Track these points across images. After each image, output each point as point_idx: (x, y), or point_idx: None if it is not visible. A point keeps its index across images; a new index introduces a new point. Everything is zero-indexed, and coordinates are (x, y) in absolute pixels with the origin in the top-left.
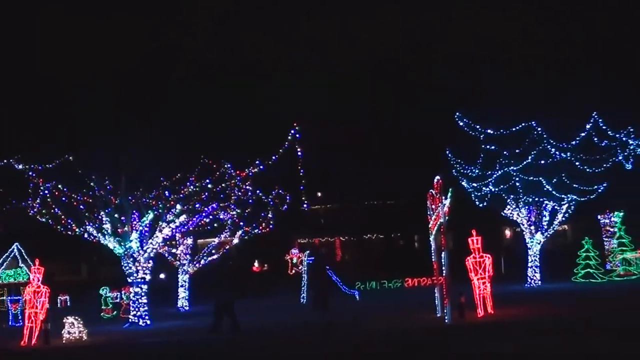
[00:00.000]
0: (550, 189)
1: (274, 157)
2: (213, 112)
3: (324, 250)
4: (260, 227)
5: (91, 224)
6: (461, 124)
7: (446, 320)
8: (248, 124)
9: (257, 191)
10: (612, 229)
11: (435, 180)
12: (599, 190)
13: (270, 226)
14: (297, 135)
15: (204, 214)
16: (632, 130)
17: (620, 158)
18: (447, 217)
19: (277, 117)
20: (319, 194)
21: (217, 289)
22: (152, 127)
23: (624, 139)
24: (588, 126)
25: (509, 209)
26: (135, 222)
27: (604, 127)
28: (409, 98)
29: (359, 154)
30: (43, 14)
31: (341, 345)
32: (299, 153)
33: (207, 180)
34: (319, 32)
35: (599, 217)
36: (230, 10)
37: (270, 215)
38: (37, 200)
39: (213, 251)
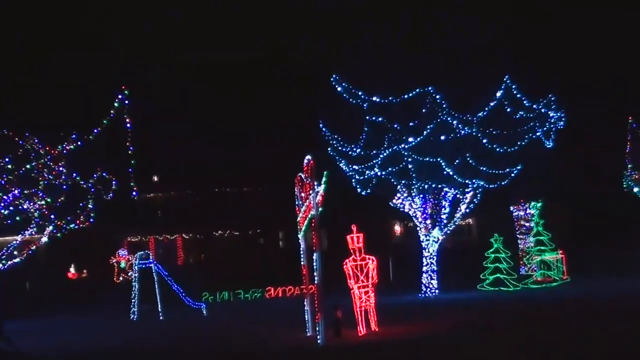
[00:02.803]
0: (451, 173)
1: (95, 130)
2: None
3: None
4: (78, 222)
5: None
6: (339, 89)
7: (318, 341)
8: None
9: (74, 174)
10: (527, 224)
11: (306, 162)
12: (512, 175)
13: (91, 220)
14: (126, 102)
15: (2, 204)
16: (552, 99)
17: (538, 134)
18: (320, 209)
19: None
20: (155, 179)
21: None
22: None
23: (543, 110)
24: (499, 93)
25: (399, 198)
26: None
27: (518, 95)
28: (278, 59)
29: (209, 128)
30: None
31: None
32: (129, 125)
33: (6, 159)
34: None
35: (511, 208)
36: None
37: (90, 206)
38: None
39: (15, 252)
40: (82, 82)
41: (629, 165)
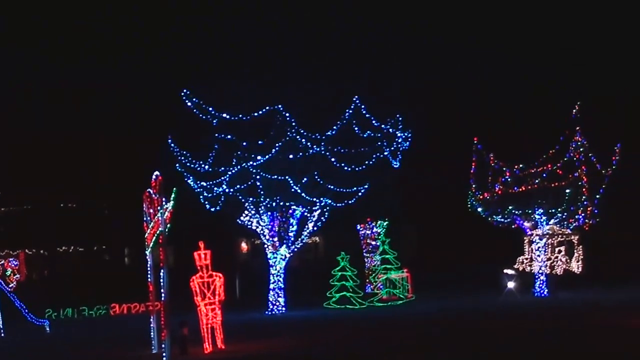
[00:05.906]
0: (299, 191)
1: None
2: None
3: None
4: None
5: None
6: (189, 104)
7: (164, 359)
8: None
9: None
10: (374, 243)
11: (154, 177)
12: (359, 194)
13: None
14: None
15: None
16: (400, 119)
17: (386, 153)
18: (168, 225)
19: None
20: None
21: None
22: None
23: (390, 130)
24: (347, 113)
25: (246, 216)
26: None
27: (367, 115)
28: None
29: (54, 138)
30: None
31: None
32: None
33: None
34: None
35: (358, 227)
36: None
37: None
38: None
39: None
40: None
41: (474, 186)
